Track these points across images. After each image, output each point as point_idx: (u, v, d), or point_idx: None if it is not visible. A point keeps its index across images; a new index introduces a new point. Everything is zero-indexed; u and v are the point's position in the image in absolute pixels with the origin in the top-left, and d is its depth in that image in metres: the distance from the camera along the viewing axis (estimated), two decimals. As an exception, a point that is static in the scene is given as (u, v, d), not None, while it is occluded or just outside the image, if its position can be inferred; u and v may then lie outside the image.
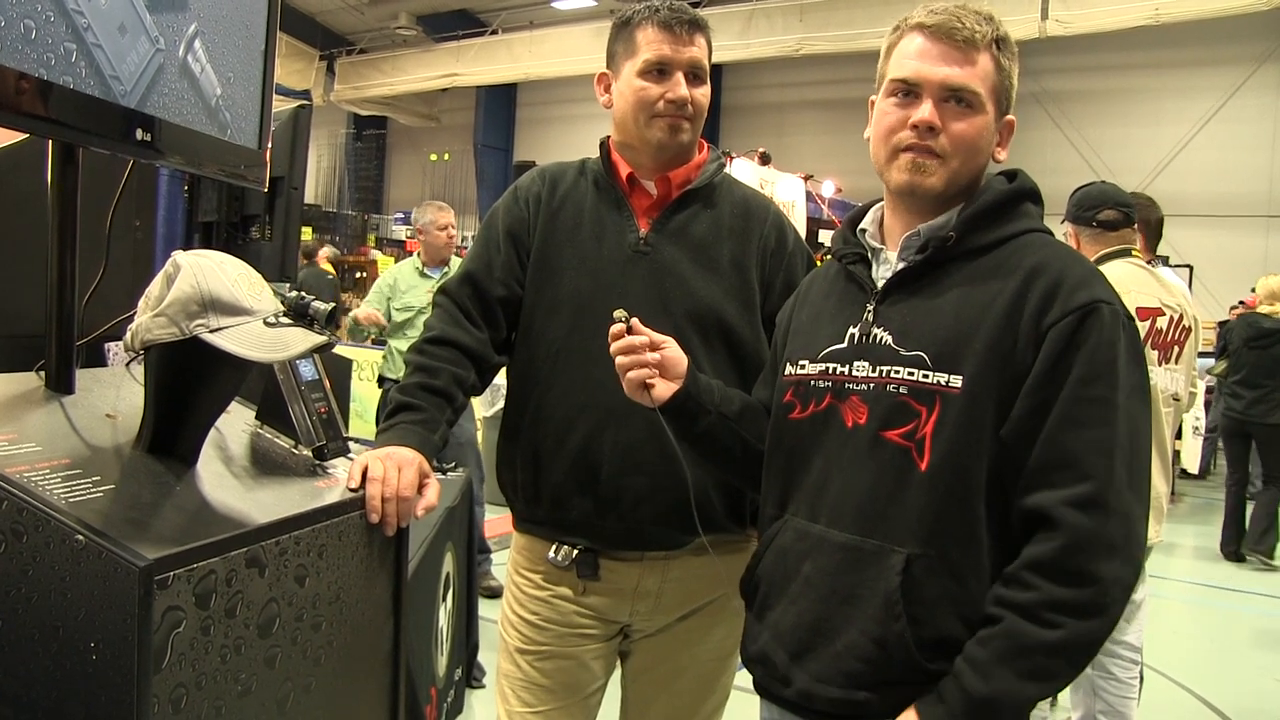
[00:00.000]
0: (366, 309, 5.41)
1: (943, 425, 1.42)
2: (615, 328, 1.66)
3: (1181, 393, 3.36)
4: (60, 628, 1.14)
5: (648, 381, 1.67)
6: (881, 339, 1.50)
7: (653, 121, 1.92)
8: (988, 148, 1.52)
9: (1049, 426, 1.37)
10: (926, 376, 1.44)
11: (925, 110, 1.48)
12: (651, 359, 1.66)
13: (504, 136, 20.76)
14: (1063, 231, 3.34)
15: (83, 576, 1.13)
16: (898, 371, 1.46)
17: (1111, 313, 1.40)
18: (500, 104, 20.57)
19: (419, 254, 5.42)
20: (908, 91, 1.50)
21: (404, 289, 5.26)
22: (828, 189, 10.50)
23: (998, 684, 1.33)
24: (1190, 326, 3.34)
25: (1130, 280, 3.15)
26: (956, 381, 1.42)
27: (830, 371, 1.55)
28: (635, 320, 1.66)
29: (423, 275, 5.24)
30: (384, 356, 5.51)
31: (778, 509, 1.62)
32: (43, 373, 1.54)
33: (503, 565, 2.16)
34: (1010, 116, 1.55)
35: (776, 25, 14.64)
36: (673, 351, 1.70)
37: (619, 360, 1.66)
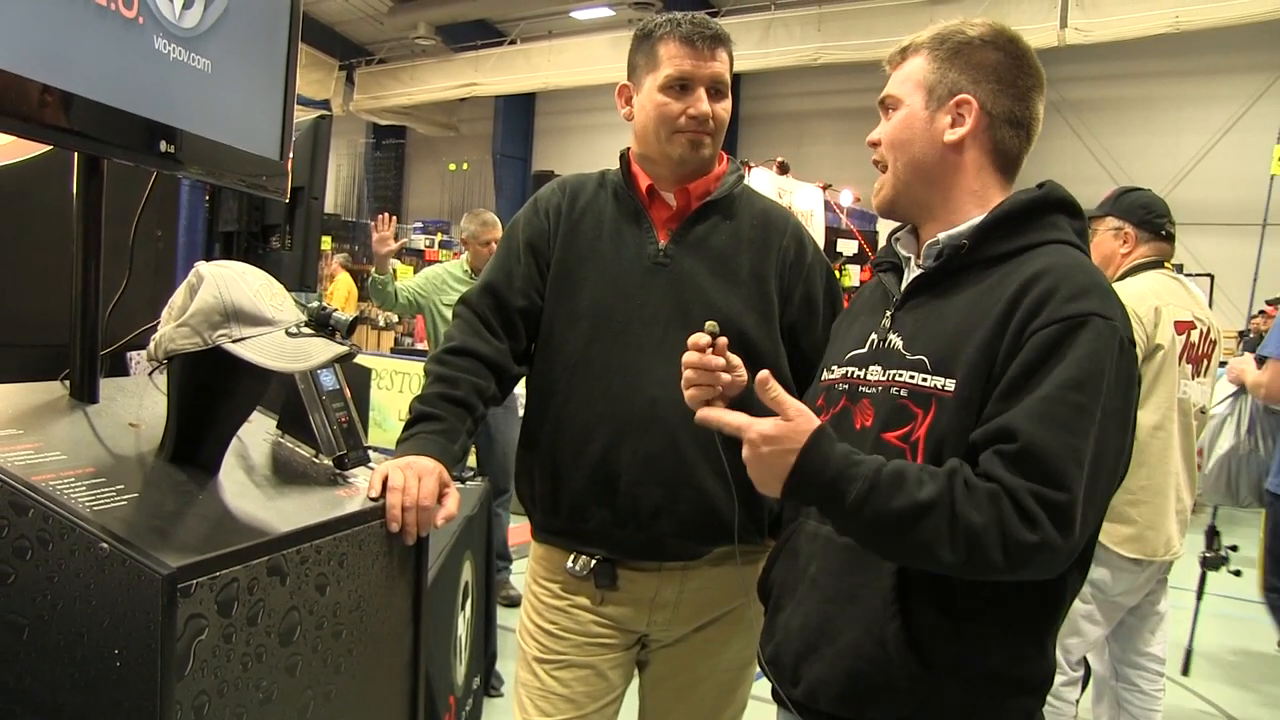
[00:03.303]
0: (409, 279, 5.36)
1: (935, 428, 1.42)
2: (698, 337, 1.61)
3: (1208, 405, 3.34)
4: (85, 634, 1.16)
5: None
6: (893, 343, 1.52)
7: (674, 137, 1.92)
8: (920, 136, 1.54)
9: (1023, 420, 1.31)
10: (925, 380, 1.45)
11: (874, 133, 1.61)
12: (723, 380, 1.63)
13: (522, 146, 20.81)
14: (1110, 227, 3.29)
15: (107, 584, 1.14)
16: (901, 375, 1.48)
17: (1108, 327, 1.36)
18: (519, 113, 20.62)
19: (465, 259, 5.35)
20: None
21: (451, 292, 5.13)
22: (846, 198, 10.47)
23: (869, 512, 1.33)
24: (1216, 339, 3.32)
25: (1167, 293, 3.13)
26: (950, 385, 1.42)
27: (849, 375, 1.58)
28: (723, 340, 1.62)
29: (471, 280, 5.09)
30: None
31: (794, 511, 1.65)
32: (67, 382, 1.55)
33: (522, 574, 2.17)
34: (962, 95, 1.51)
35: (795, 34, 14.63)
36: (741, 375, 1.67)
37: (688, 373, 1.63)
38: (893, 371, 1.50)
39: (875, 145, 1.59)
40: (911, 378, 1.47)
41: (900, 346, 1.51)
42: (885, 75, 1.62)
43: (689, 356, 1.62)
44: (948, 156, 1.53)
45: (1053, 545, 1.29)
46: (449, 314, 5.07)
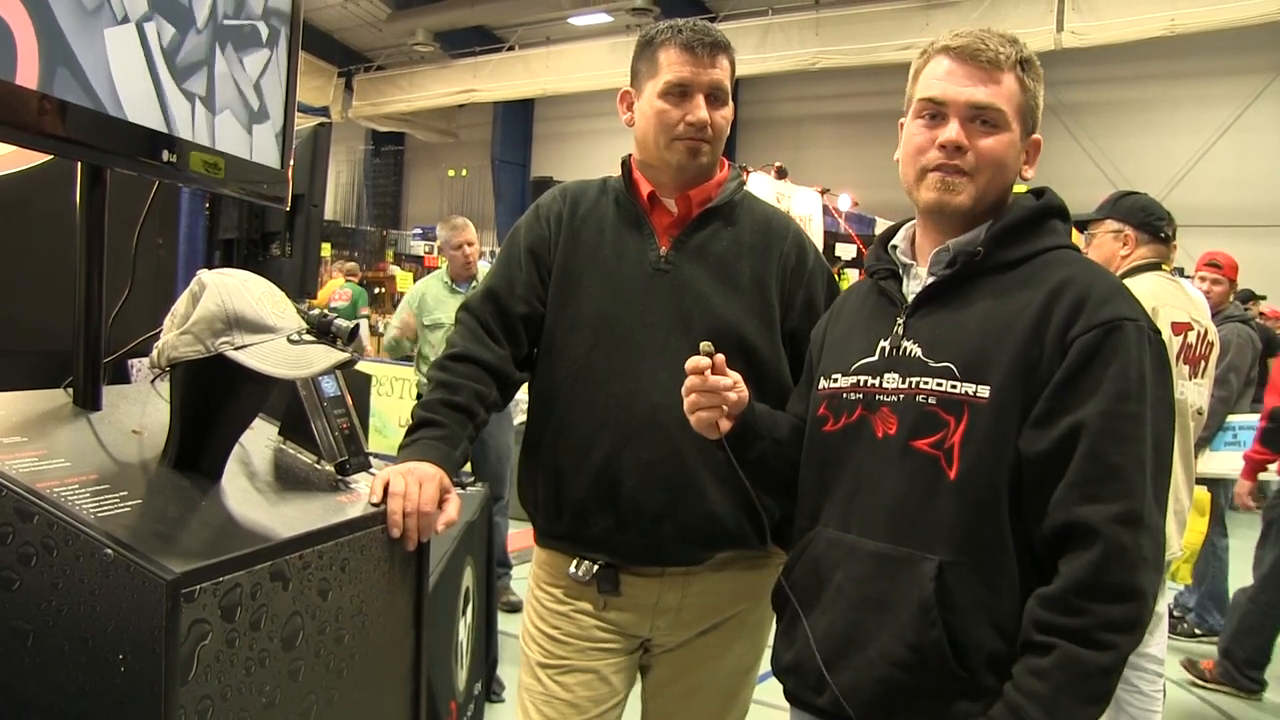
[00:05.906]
0: (399, 320, 5.36)
1: (971, 435, 1.44)
2: (697, 361, 1.65)
3: (1205, 406, 3.35)
4: (90, 639, 1.16)
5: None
6: (911, 351, 1.53)
7: (673, 144, 1.92)
8: (1014, 165, 1.55)
9: (1090, 441, 1.38)
10: (955, 387, 1.47)
11: (952, 130, 1.51)
12: (730, 399, 1.67)
13: (521, 152, 20.84)
14: (1109, 230, 3.32)
15: (111, 589, 1.15)
16: (926, 382, 1.49)
17: (1137, 329, 1.42)
18: (517, 119, 20.66)
19: (445, 269, 5.33)
20: (935, 113, 1.54)
21: (432, 305, 5.15)
22: (844, 202, 10.47)
23: (1064, 716, 1.33)
24: (1213, 341, 3.34)
25: (1164, 295, 3.15)
26: (984, 392, 1.44)
27: (861, 384, 1.58)
28: (720, 358, 1.65)
29: (451, 291, 5.13)
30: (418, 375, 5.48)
31: (809, 520, 1.65)
32: (71, 389, 1.56)
33: (523, 580, 2.18)
34: (1037, 136, 1.58)
35: (793, 39, 14.65)
36: (742, 391, 1.71)
37: (691, 397, 1.66)
38: (915, 379, 1.51)
39: (958, 147, 1.50)
40: (939, 385, 1.48)
41: (920, 354, 1.52)
42: (954, 70, 1.53)
43: (692, 380, 1.65)
44: (1011, 186, 1.58)
45: (1148, 561, 1.37)
46: (433, 336, 5.14)
